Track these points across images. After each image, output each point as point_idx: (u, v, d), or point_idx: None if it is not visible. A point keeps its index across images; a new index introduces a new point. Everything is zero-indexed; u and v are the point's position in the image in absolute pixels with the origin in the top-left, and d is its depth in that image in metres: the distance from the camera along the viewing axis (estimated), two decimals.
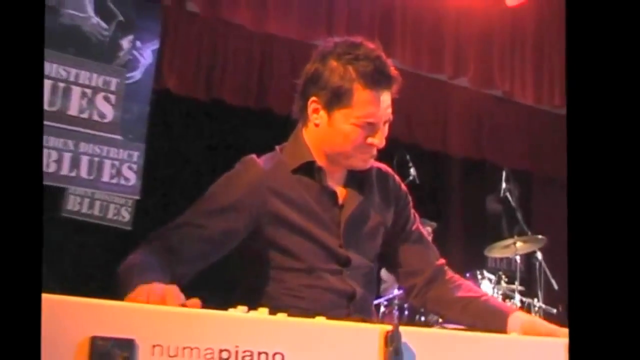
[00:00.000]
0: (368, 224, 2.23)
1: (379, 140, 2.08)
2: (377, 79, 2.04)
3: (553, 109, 6.61)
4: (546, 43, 6.01)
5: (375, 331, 1.30)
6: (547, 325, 1.95)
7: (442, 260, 2.34)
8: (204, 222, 2.01)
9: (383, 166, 2.34)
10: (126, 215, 5.79)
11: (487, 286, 5.88)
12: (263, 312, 1.26)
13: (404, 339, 1.29)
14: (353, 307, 2.12)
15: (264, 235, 2.08)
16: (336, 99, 2.05)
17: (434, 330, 1.48)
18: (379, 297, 5.62)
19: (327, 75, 2.07)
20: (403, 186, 2.38)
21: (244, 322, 1.21)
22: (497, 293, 5.85)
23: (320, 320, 1.31)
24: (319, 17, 5.37)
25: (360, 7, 5.43)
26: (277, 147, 2.25)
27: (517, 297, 5.79)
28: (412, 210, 2.37)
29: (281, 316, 1.27)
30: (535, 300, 5.91)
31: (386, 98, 2.08)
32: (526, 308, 5.87)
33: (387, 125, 2.12)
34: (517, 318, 2.03)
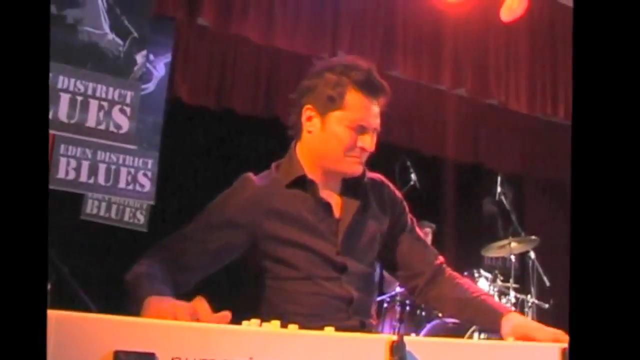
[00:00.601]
0: (365, 232, 2.24)
1: (369, 144, 2.12)
2: (368, 85, 2.11)
3: (546, 117, 6.61)
4: (538, 56, 6.02)
5: (381, 341, 1.30)
6: (538, 326, 1.95)
7: (441, 259, 2.35)
8: (204, 237, 2.03)
9: (377, 176, 2.36)
10: (141, 218, 5.81)
11: (484, 284, 5.89)
12: (275, 325, 1.26)
13: (408, 349, 1.30)
14: (352, 310, 2.13)
15: (262, 249, 2.09)
16: (330, 102, 2.10)
17: (438, 339, 1.47)
18: (382, 294, 5.63)
19: (322, 85, 2.13)
20: (398, 194, 2.39)
21: (257, 335, 1.21)
22: (493, 290, 5.86)
23: (329, 331, 1.31)
24: (324, 31, 5.38)
25: (364, 24, 5.44)
26: (273, 165, 2.27)
27: (512, 293, 5.81)
28: (409, 216, 2.39)
29: (292, 328, 1.27)
30: (529, 296, 5.93)
31: (375, 108, 2.13)
32: (520, 304, 5.89)
33: (375, 135, 2.16)
34: (511, 319, 2.03)
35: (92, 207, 5.65)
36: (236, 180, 2.18)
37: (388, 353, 1.29)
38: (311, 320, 1.84)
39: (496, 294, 5.84)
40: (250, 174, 2.19)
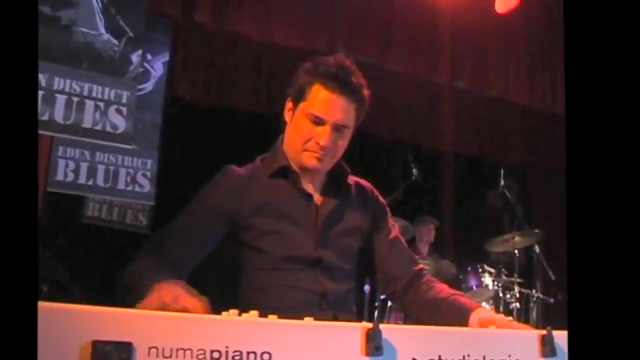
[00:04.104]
0: (344, 227, 2.29)
1: (323, 138, 2.15)
2: (336, 80, 2.14)
3: (547, 108, 6.60)
4: (537, 47, 6.02)
5: (357, 329, 1.34)
6: (504, 318, 2.00)
7: (420, 266, 2.40)
8: (191, 226, 2.10)
9: (363, 181, 2.44)
10: (143, 219, 5.87)
11: (488, 279, 5.94)
12: (253, 314, 1.31)
13: (384, 336, 1.34)
14: (326, 304, 2.17)
15: (241, 238, 2.15)
16: (299, 94, 2.18)
17: (412, 326, 1.52)
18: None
19: (298, 76, 2.21)
20: (382, 200, 2.46)
21: (234, 324, 1.25)
22: (498, 285, 5.90)
23: (306, 320, 1.35)
24: (321, 25, 5.39)
25: (361, 18, 5.45)
26: (258, 158, 2.34)
27: (517, 288, 5.84)
28: (391, 221, 2.45)
29: (271, 318, 1.31)
30: (534, 291, 5.96)
31: (343, 103, 2.16)
32: (525, 298, 5.92)
33: (342, 132, 2.20)
34: (478, 313, 2.08)
35: (94, 210, 5.72)
36: (218, 172, 2.25)
37: (364, 341, 1.33)
38: (286, 313, 1.88)
39: (500, 289, 5.88)
40: (233, 166, 2.26)
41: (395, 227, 2.46)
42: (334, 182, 2.32)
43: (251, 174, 2.24)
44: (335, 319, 2.12)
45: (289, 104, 2.24)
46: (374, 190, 2.46)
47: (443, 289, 2.30)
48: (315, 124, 2.15)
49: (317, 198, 2.28)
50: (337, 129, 2.17)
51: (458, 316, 2.11)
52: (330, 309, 2.16)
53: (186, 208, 2.16)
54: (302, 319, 1.37)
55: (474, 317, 2.06)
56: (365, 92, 2.22)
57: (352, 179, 2.38)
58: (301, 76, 2.20)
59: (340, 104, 2.15)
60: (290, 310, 1.53)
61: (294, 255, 2.16)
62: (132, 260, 1.98)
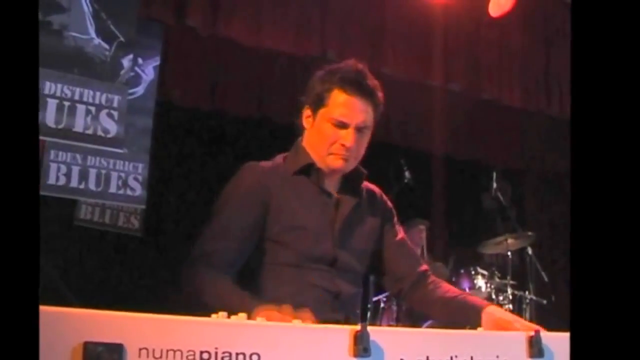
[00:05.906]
0: (361, 227, 2.36)
1: (348, 140, 2.22)
2: (353, 84, 2.22)
3: (541, 111, 6.62)
4: (531, 50, 6.03)
5: (345, 331, 1.36)
6: (516, 318, 2.03)
7: (424, 266, 2.47)
8: (232, 229, 2.14)
9: (372, 186, 2.51)
10: (135, 222, 5.88)
11: (481, 281, 5.96)
12: (242, 317, 1.34)
13: (372, 338, 1.37)
14: (339, 304, 2.22)
15: (263, 231, 2.19)
16: (319, 101, 2.25)
17: (400, 328, 1.55)
18: (379, 293, 5.69)
19: (315, 84, 2.28)
20: (390, 204, 2.53)
21: (223, 326, 1.28)
22: (491, 287, 5.91)
23: (295, 322, 1.38)
24: (312, 30, 5.40)
25: (353, 22, 5.46)
26: (279, 156, 2.39)
27: (510, 290, 5.86)
28: (397, 224, 2.52)
29: (259, 320, 1.34)
30: (527, 292, 5.98)
31: (362, 105, 2.24)
32: (518, 300, 5.95)
33: (364, 133, 2.27)
34: (491, 312, 2.13)
35: (86, 213, 5.73)
36: (241, 168, 2.29)
37: (352, 342, 1.36)
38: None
39: (493, 291, 5.90)
40: (254, 162, 2.32)
41: (401, 229, 2.53)
42: (350, 184, 2.39)
43: (274, 167, 2.31)
44: (347, 320, 2.19)
45: (306, 112, 2.32)
46: (383, 195, 2.54)
47: (450, 289, 2.39)
48: (338, 128, 2.23)
49: (336, 198, 2.35)
50: (360, 130, 2.25)
51: (468, 314, 2.17)
52: (342, 309, 2.23)
53: (218, 210, 2.20)
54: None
55: (486, 317, 2.11)
56: (380, 93, 2.30)
57: (364, 182, 2.45)
58: (317, 84, 2.28)
59: (360, 106, 2.24)
60: (303, 307, 1.60)
61: (313, 252, 2.22)
62: (187, 273, 2.03)
